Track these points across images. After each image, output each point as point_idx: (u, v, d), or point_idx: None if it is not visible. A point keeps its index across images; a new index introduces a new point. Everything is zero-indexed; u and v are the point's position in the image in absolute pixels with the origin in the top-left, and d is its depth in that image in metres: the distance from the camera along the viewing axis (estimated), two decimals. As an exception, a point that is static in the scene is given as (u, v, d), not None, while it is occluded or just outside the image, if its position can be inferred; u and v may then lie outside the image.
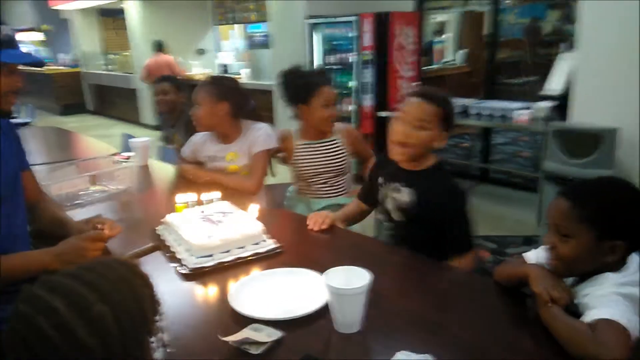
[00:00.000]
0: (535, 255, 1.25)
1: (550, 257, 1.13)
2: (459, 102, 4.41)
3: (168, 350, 0.86)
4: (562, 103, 3.71)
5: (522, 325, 1.13)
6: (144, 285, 0.74)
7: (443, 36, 7.63)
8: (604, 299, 1.00)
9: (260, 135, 2.17)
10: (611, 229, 1.05)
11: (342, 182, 2.25)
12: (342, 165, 2.21)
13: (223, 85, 2.20)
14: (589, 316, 0.98)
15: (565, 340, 0.99)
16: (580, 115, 3.33)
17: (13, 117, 1.53)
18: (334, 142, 2.21)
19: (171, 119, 3.15)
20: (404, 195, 1.57)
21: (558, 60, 4.05)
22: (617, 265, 1.06)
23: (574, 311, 1.04)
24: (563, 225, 1.08)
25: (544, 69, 4.61)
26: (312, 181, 2.23)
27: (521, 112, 3.79)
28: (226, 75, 5.10)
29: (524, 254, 1.29)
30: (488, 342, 1.07)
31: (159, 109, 3.24)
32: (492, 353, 1.03)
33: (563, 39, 5.52)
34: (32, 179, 1.61)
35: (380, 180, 1.68)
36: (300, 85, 2.15)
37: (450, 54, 7.40)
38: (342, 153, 2.21)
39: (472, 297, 1.27)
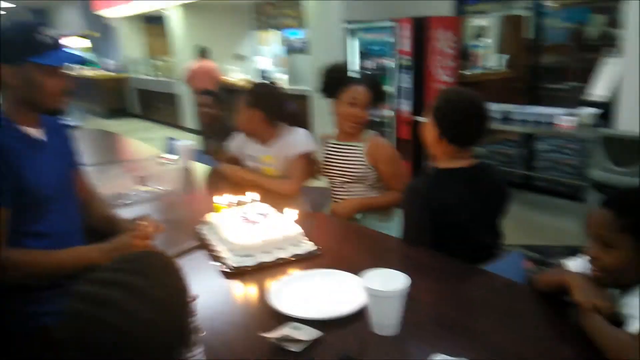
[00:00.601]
0: (577, 264, 1.23)
1: (593, 268, 1.11)
2: (500, 107, 4.33)
3: (203, 333, 0.92)
4: (606, 109, 3.59)
5: (561, 334, 1.11)
6: (177, 269, 0.80)
7: (483, 40, 7.50)
8: None
9: (297, 139, 2.21)
10: None
11: (359, 190, 2.17)
12: (357, 172, 2.13)
13: (257, 93, 2.26)
14: (634, 326, 0.96)
15: (609, 350, 0.97)
16: (627, 122, 3.21)
17: (64, 119, 1.60)
18: (357, 147, 2.15)
19: (211, 130, 3.31)
20: None
21: (602, 66, 3.93)
22: None
23: (617, 321, 1.02)
24: (605, 235, 1.07)
25: (588, 75, 4.48)
26: (331, 182, 2.26)
27: (566, 118, 3.69)
28: (266, 81, 5.21)
29: (564, 262, 1.27)
30: (525, 349, 1.06)
31: (201, 120, 3.42)
32: (526, 358, 1.02)
33: (608, 43, 5.34)
34: (84, 178, 1.70)
35: None
36: (334, 77, 2.19)
37: (490, 58, 7.26)
38: (360, 161, 2.13)
39: (510, 304, 1.26)
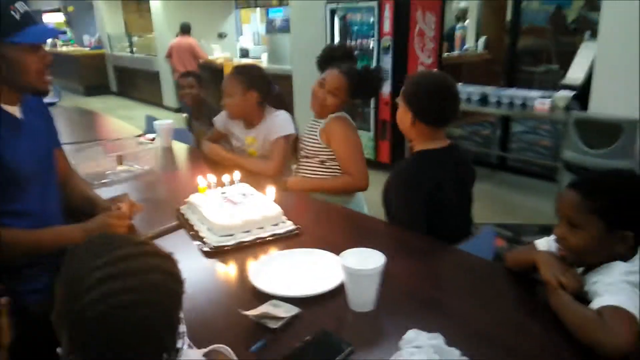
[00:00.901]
0: (547, 243, 1.27)
1: (560, 247, 1.15)
2: (478, 89, 4.39)
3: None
4: (583, 92, 3.67)
5: (531, 310, 1.16)
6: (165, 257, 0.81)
7: (465, 22, 7.52)
8: (613, 287, 1.02)
9: (277, 122, 2.24)
10: (621, 220, 1.07)
11: (310, 166, 2.18)
12: (311, 148, 2.15)
13: (251, 74, 2.25)
14: (598, 303, 1.00)
15: (573, 326, 1.01)
16: (601, 105, 3.30)
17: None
18: (316, 124, 2.16)
19: (194, 111, 3.31)
20: None
21: (581, 49, 4.00)
22: (627, 255, 1.08)
23: (583, 298, 1.07)
24: (573, 216, 1.10)
25: (566, 58, 4.55)
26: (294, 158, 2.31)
27: (541, 101, 3.77)
28: (250, 63, 5.15)
29: (535, 241, 1.31)
30: (497, 325, 1.10)
31: (184, 102, 3.39)
32: (501, 336, 1.06)
33: (586, 27, 5.42)
34: (63, 158, 1.69)
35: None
36: (325, 56, 2.24)
37: (471, 40, 7.30)
38: (315, 137, 2.13)
39: (483, 281, 1.31)
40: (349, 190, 2.13)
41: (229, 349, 0.92)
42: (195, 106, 3.29)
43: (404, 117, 1.65)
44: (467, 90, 4.37)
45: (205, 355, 0.89)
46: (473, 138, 6.02)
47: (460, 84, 4.85)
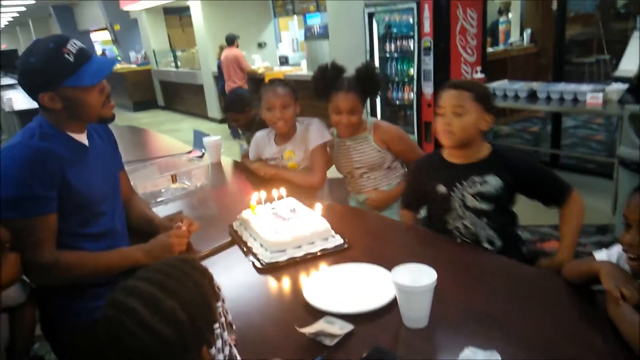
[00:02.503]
0: (608, 255, 1.23)
1: (629, 255, 1.09)
2: (525, 85, 4.27)
3: (234, 327, 0.97)
4: (638, 85, 3.50)
5: (590, 322, 1.13)
6: (203, 276, 0.86)
7: (508, 16, 7.31)
8: None
9: (313, 131, 2.25)
10: None
11: (380, 176, 2.24)
12: (373, 161, 2.20)
13: (292, 86, 2.29)
14: None
15: (630, 337, 0.98)
16: (659, 97, 3.14)
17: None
18: (363, 138, 2.20)
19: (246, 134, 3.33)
20: (491, 182, 1.62)
21: (633, 38, 3.82)
22: None
23: None
24: None
25: (618, 46, 4.35)
26: (350, 176, 2.29)
27: (593, 95, 3.61)
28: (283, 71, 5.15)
29: (594, 253, 1.26)
30: (554, 338, 1.08)
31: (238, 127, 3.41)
32: (559, 349, 1.04)
33: (638, 11, 5.15)
34: (126, 179, 1.78)
35: (441, 189, 1.69)
36: (321, 84, 2.16)
37: (515, 34, 7.09)
38: (372, 149, 2.19)
39: (539, 294, 1.28)
40: None
41: None
42: (245, 128, 3.24)
43: (479, 120, 1.62)
44: (513, 87, 4.25)
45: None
46: (522, 135, 5.84)
47: (506, 80, 4.73)
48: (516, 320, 1.16)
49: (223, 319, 0.89)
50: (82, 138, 1.47)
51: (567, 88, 3.94)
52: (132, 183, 1.89)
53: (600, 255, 1.24)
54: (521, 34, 6.95)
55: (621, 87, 3.58)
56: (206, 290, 0.85)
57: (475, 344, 1.00)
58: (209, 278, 0.88)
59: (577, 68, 6.35)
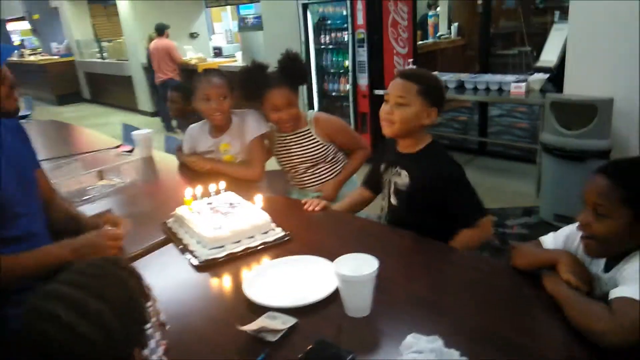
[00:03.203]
0: (554, 238, 1.26)
1: (583, 234, 1.12)
2: (454, 76, 4.43)
3: (167, 327, 0.93)
4: (558, 74, 3.72)
5: (531, 306, 1.15)
6: (130, 276, 0.82)
7: (436, 9, 7.55)
8: (629, 277, 1.01)
9: (250, 123, 2.20)
10: None
11: (324, 169, 2.23)
12: (317, 154, 2.18)
13: (226, 76, 2.24)
14: (614, 293, 0.99)
15: (576, 317, 1.00)
16: (576, 87, 3.35)
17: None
18: (307, 132, 2.18)
19: (179, 123, 3.25)
20: (403, 178, 1.63)
21: (552, 31, 4.05)
22: None
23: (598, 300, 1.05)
24: (601, 203, 1.06)
25: (538, 39, 4.61)
26: (294, 172, 2.27)
27: (517, 85, 3.81)
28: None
29: (541, 238, 1.29)
30: (496, 322, 1.10)
31: (171, 114, 3.32)
32: (500, 333, 1.06)
33: (557, 6, 5.48)
34: (44, 177, 1.65)
35: (382, 166, 1.73)
36: (250, 86, 2.12)
37: (443, 27, 7.34)
38: (315, 143, 2.18)
39: (479, 279, 1.31)
40: (367, 158, 2.25)
41: None
42: (180, 118, 3.24)
43: (421, 114, 1.57)
44: (443, 79, 4.40)
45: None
46: (452, 125, 6.07)
47: (436, 72, 4.88)
48: (458, 305, 1.19)
49: (155, 319, 0.85)
50: None
51: (493, 79, 4.14)
52: (55, 182, 1.76)
53: (547, 239, 1.27)
54: (449, 28, 7.21)
55: (542, 76, 3.80)
56: (134, 290, 0.80)
57: (418, 330, 1.01)
58: (137, 277, 0.83)
59: (501, 60, 6.67)
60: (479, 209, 1.56)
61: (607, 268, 1.12)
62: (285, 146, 2.22)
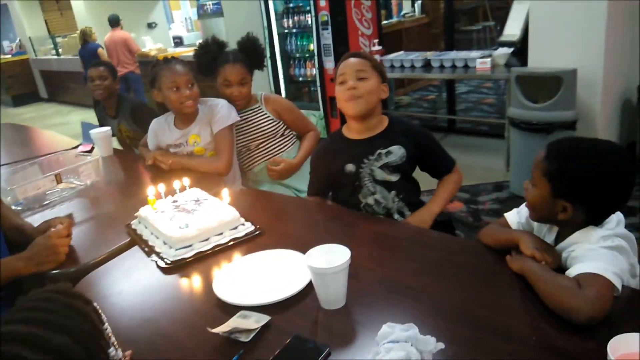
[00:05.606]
0: (517, 215, 1.30)
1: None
2: (420, 55, 4.40)
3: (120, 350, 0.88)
4: (522, 48, 3.74)
5: (504, 284, 1.14)
6: (85, 303, 0.79)
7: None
8: (592, 253, 1.02)
9: (220, 112, 2.12)
10: (562, 191, 1.09)
11: (275, 145, 2.28)
12: (268, 129, 2.25)
13: (197, 64, 2.25)
14: (576, 270, 1.00)
15: (547, 294, 1.00)
16: (540, 59, 3.37)
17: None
18: (257, 108, 2.25)
19: (109, 108, 2.90)
20: (396, 152, 1.62)
21: (514, 5, 4.06)
22: (580, 224, 1.10)
23: (560, 268, 1.07)
24: (533, 172, 1.15)
25: (501, 13, 4.62)
26: (245, 150, 2.28)
27: (482, 61, 3.81)
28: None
29: (505, 215, 1.33)
30: (470, 302, 1.09)
31: (96, 96, 2.90)
32: (476, 313, 1.05)
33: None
34: None
35: (349, 168, 1.65)
36: (205, 60, 2.21)
37: (407, 5, 7.30)
38: (266, 118, 2.25)
39: (451, 259, 1.30)
40: (317, 140, 2.31)
41: None
42: (109, 101, 2.86)
43: (378, 88, 1.64)
44: (409, 58, 4.37)
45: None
46: (420, 104, 6.08)
47: (402, 51, 4.85)
48: (431, 288, 1.17)
49: (114, 339, 0.80)
50: None
51: (458, 55, 4.13)
52: (6, 189, 1.66)
53: (511, 215, 1.31)
54: (412, 5, 7.16)
55: (506, 51, 3.81)
56: (92, 316, 0.77)
57: (393, 316, 0.99)
58: (90, 303, 0.80)
59: (466, 36, 6.68)
60: (450, 157, 1.76)
61: (556, 242, 1.17)
62: (237, 125, 2.21)
